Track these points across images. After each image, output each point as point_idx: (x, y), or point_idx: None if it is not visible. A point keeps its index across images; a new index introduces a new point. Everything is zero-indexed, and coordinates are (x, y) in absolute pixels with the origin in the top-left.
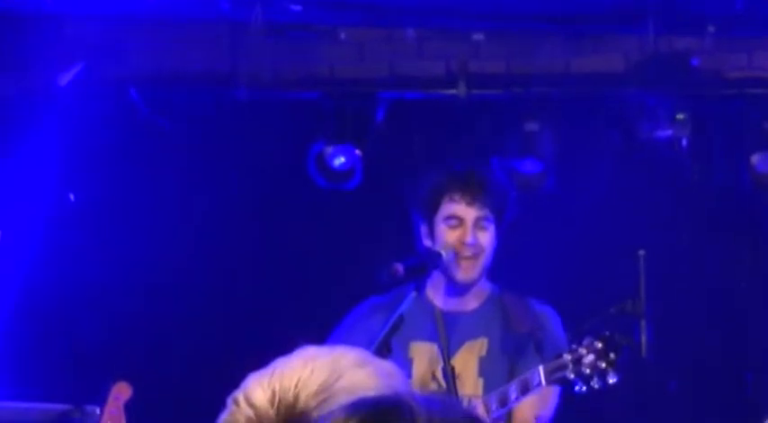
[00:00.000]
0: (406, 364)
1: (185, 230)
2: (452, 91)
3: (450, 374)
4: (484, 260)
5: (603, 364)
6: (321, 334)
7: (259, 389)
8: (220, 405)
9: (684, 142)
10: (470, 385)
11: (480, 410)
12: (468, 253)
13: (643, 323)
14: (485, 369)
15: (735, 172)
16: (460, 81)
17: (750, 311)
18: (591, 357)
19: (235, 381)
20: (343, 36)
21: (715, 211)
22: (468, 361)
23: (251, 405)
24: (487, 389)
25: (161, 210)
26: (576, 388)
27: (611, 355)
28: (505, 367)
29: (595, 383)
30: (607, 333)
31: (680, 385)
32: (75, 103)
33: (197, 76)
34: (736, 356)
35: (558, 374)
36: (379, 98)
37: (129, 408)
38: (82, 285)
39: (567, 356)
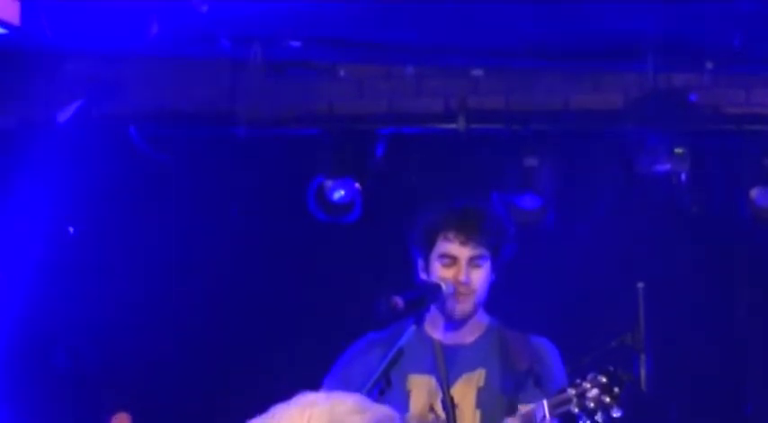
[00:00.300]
0: (403, 397)
1: (185, 265)
2: (452, 126)
3: (449, 406)
4: (476, 297)
5: (608, 399)
6: (320, 368)
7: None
8: None
9: (683, 177)
10: (468, 417)
11: None
12: (460, 290)
13: (643, 357)
14: (482, 401)
15: (734, 206)
16: (460, 116)
17: (749, 345)
18: (595, 391)
19: (232, 414)
20: (342, 73)
21: (714, 245)
22: (466, 393)
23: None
24: (485, 421)
25: (160, 245)
26: (580, 422)
27: (616, 390)
28: (503, 400)
29: (599, 418)
30: (611, 368)
31: (679, 418)
32: (74, 138)
33: (197, 113)
34: (736, 389)
35: (563, 408)
36: (379, 134)
37: None
38: (81, 319)
39: (571, 391)
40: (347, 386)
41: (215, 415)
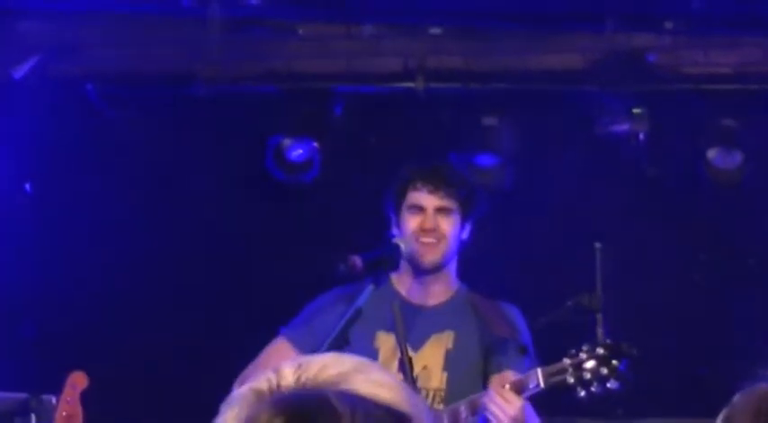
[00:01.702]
0: (371, 354)
1: (142, 225)
2: (410, 85)
3: (407, 366)
4: (446, 246)
5: (605, 371)
6: (278, 325)
7: (287, 364)
8: (175, 393)
9: (642, 137)
10: (436, 378)
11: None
12: (427, 239)
13: (599, 316)
14: (450, 363)
15: (692, 166)
16: (418, 75)
17: (705, 305)
18: (592, 363)
19: (189, 370)
20: (300, 32)
21: (672, 205)
22: (434, 354)
23: (277, 374)
24: (451, 383)
25: (117, 203)
26: (576, 393)
27: (614, 362)
28: (473, 362)
29: (595, 388)
30: (609, 341)
31: (635, 378)
32: (31, 95)
33: (154, 71)
34: (692, 350)
35: (558, 378)
36: (337, 93)
37: (86, 397)
38: (37, 276)
39: (567, 361)
40: (312, 337)
41: (172, 371)
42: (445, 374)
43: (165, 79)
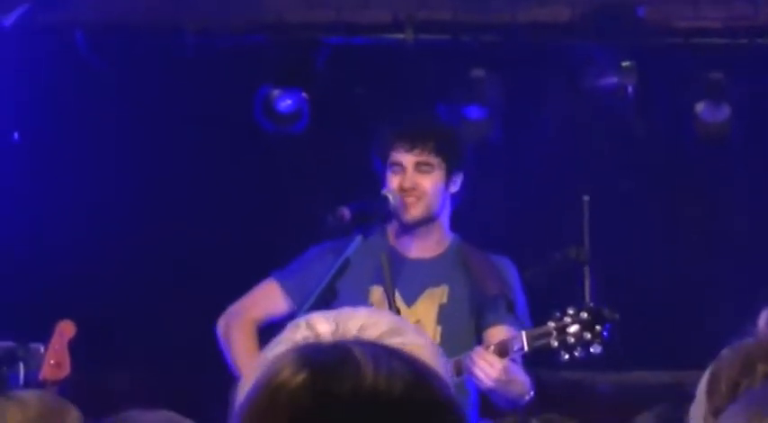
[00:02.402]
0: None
1: (130, 175)
2: (399, 36)
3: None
4: (426, 203)
5: (589, 335)
6: (265, 276)
7: (323, 321)
8: (162, 341)
9: (630, 90)
10: (429, 333)
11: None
12: (407, 198)
13: (587, 269)
14: (444, 317)
15: (679, 120)
16: (407, 27)
17: (691, 259)
18: (576, 327)
19: (177, 319)
20: None
21: (659, 159)
22: (428, 308)
23: (312, 330)
24: (445, 337)
25: (105, 154)
26: (559, 356)
27: (597, 327)
28: (465, 317)
29: (578, 352)
30: (592, 305)
31: (621, 331)
32: (19, 44)
33: (143, 22)
34: (678, 302)
35: (542, 341)
36: (326, 44)
37: (74, 345)
38: (24, 224)
39: (552, 324)
40: (302, 285)
41: (159, 321)
42: (439, 329)
43: (153, 29)
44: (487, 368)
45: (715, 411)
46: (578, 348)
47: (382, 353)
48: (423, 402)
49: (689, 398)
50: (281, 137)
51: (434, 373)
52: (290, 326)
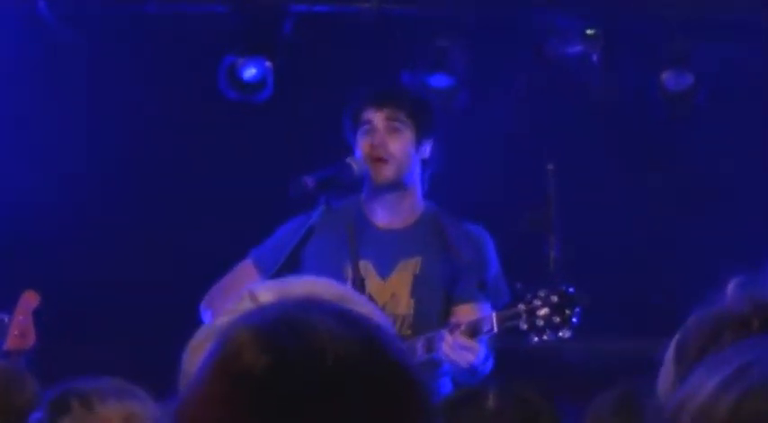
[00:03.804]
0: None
1: (94, 143)
2: (364, 5)
3: (359, 287)
4: (396, 165)
5: (558, 319)
6: (233, 248)
7: (266, 292)
8: (128, 312)
9: (595, 58)
10: (403, 305)
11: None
12: (377, 155)
13: (552, 238)
14: (418, 289)
15: (645, 88)
16: None
17: (658, 229)
18: (546, 310)
19: (142, 290)
20: None
21: (625, 128)
22: (402, 280)
23: (255, 302)
24: (419, 310)
25: (68, 123)
26: (528, 339)
27: (567, 312)
28: (439, 289)
29: (547, 336)
30: (563, 287)
31: (590, 300)
32: None
33: None
34: (646, 269)
35: (511, 323)
36: (290, 12)
37: (38, 315)
38: None
39: (522, 306)
40: (276, 261)
41: (124, 290)
42: (413, 300)
43: None
44: (465, 353)
45: (683, 378)
46: (547, 331)
47: (336, 320)
48: (381, 370)
49: (657, 366)
50: (245, 105)
51: (389, 337)
52: (235, 298)
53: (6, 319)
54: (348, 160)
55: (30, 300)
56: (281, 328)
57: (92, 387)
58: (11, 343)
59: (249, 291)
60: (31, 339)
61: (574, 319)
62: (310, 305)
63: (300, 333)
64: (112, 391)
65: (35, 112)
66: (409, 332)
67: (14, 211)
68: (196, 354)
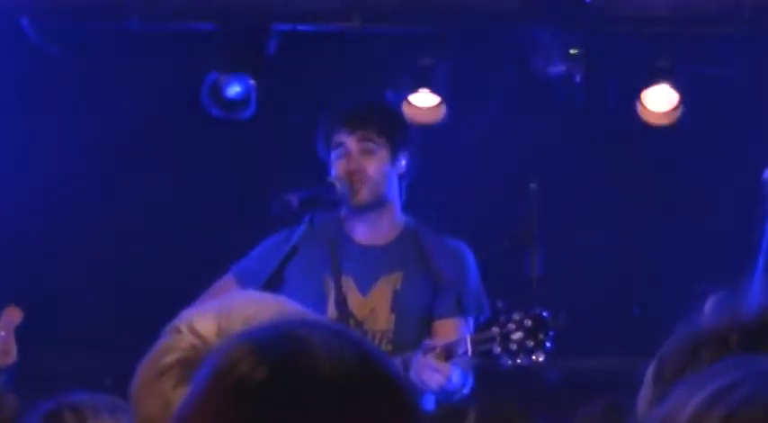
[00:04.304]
0: (320, 299)
1: (76, 161)
2: (347, 24)
3: (342, 304)
4: (372, 186)
5: (531, 344)
6: (214, 265)
7: (204, 321)
8: (106, 328)
9: (578, 78)
10: (383, 320)
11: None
12: (354, 182)
13: (534, 256)
14: (398, 304)
15: (627, 108)
16: (355, 14)
17: (638, 246)
18: (519, 334)
19: (124, 309)
20: None
21: (607, 147)
22: (382, 296)
23: (195, 334)
24: (399, 325)
25: (52, 139)
26: (501, 362)
27: (540, 336)
28: (419, 304)
29: (521, 360)
30: (537, 311)
31: (569, 318)
32: None
33: (89, 6)
34: (625, 290)
35: (485, 346)
36: (274, 30)
37: (20, 332)
38: None
39: (496, 329)
40: (255, 277)
41: (112, 309)
42: (393, 316)
43: (99, 12)
44: (432, 373)
45: (661, 398)
46: (521, 355)
47: (332, 337)
48: (378, 384)
49: (637, 385)
50: (228, 123)
51: (378, 351)
52: (169, 330)
53: None
54: (331, 179)
55: (12, 315)
56: (278, 342)
57: (85, 401)
58: None
59: (187, 322)
60: (12, 355)
61: (547, 344)
62: (307, 322)
63: (297, 347)
64: (105, 406)
65: (14, 126)
66: (390, 348)
67: None
68: (146, 393)
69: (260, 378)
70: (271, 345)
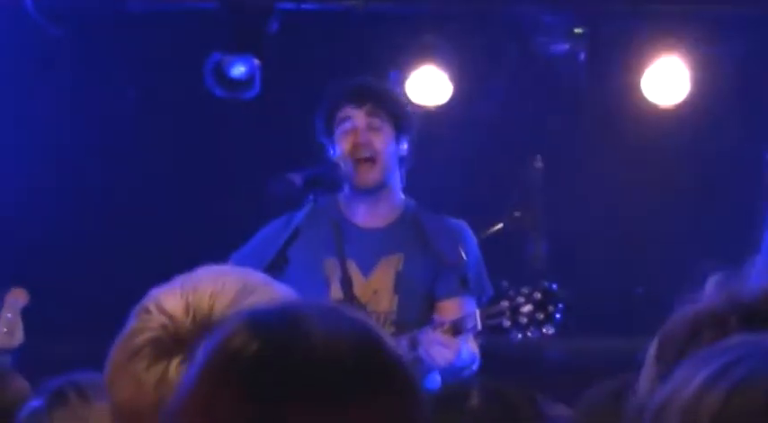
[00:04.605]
0: (320, 282)
1: (80, 142)
2: (350, 2)
3: (347, 287)
4: (382, 164)
5: (541, 316)
6: (218, 246)
7: (171, 299)
8: (114, 309)
9: (582, 56)
10: (386, 302)
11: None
12: (361, 155)
13: (538, 235)
14: (400, 285)
15: (631, 86)
16: None
17: (642, 224)
18: (529, 307)
19: (129, 287)
20: None
21: (610, 126)
22: (384, 277)
23: (164, 313)
24: (402, 305)
25: (54, 119)
26: (512, 335)
27: (550, 308)
28: (421, 285)
29: (531, 332)
30: (546, 284)
31: (571, 298)
32: None
33: None
34: (628, 270)
35: (495, 320)
36: (277, 9)
37: (26, 313)
38: None
39: (505, 303)
40: (258, 263)
41: (112, 287)
42: (396, 297)
43: None
44: (441, 348)
45: (663, 378)
46: (531, 328)
47: (330, 315)
48: (372, 364)
49: (639, 365)
50: (231, 103)
51: (379, 330)
52: (138, 311)
53: None
54: (337, 159)
55: (17, 297)
56: (275, 319)
57: (90, 381)
58: None
59: (154, 302)
60: (19, 337)
61: (557, 316)
62: (307, 302)
63: (293, 323)
64: None
65: (18, 108)
66: (393, 329)
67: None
68: (119, 376)
69: (251, 352)
70: (267, 321)
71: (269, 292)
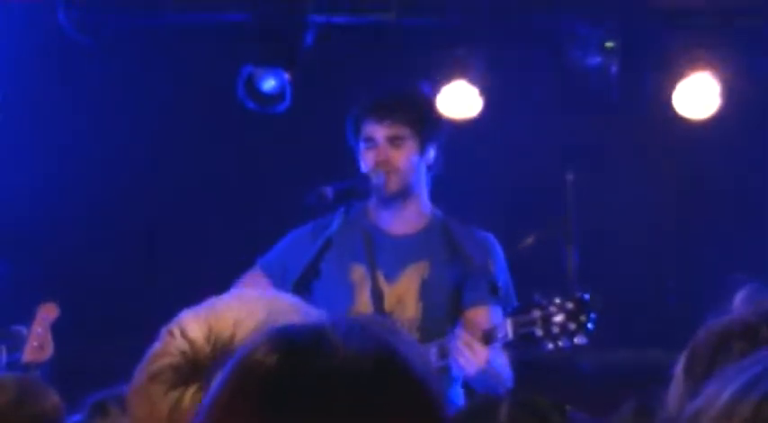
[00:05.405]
0: (346, 288)
1: (113, 154)
2: (384, 15)
3: (378, 296)
4: (401, 177)
5: (573, 326)
6: (248, 258)
7: (195, 324)
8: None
9: (614, 70)
10: (411, 309)
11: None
12: (383, 171)
13: (570, 247)
14: (425, 293)
15: (663, 99)
16: (392, 5)
17: (674, 238)
18: (561, 317)
19: (159, 303)
20: None
21: (643, 140)
22: (409, 285)
23: (186, 338)
24: (426, 313)
25: (89, 132)
26: (543, 345)
27: (582, 318)
28: (446, 293)
29: (562, 342)
30: (578, 294)
31: (604, 310)
32: (1, 21)
33: None
34: (660, 281)
35: (526, 330)
36: (310, 22)
37: (56, 328)
38: (7, 209)
39: (537, 313)
40: (283, 268)
41: (142, 304)
42: (420, 304)
43: (134, 4)
44: (472, 357)
45: (692, 390)
46: (563, 338)
47: (355, 332)
48: (393, 382)
49: (670, 378)
50: (263, 115)
51: (408, 348)
52: (164, 333)
53: (24, 331)
54: (367, 171)
55: (48, 312)
56: (296, 333)
57: None
58: (29, 355)
59: (179, 326)
60: (49, 351)
61: (589, 326)
62: (335, 319)
63: (315, 338)
64: None
65: (51, 118)
66: (417, 336)
67: (30, 222)
68: (138, 396)
69: (270, 364)
70: (290, 336)
71: (296, 318)
